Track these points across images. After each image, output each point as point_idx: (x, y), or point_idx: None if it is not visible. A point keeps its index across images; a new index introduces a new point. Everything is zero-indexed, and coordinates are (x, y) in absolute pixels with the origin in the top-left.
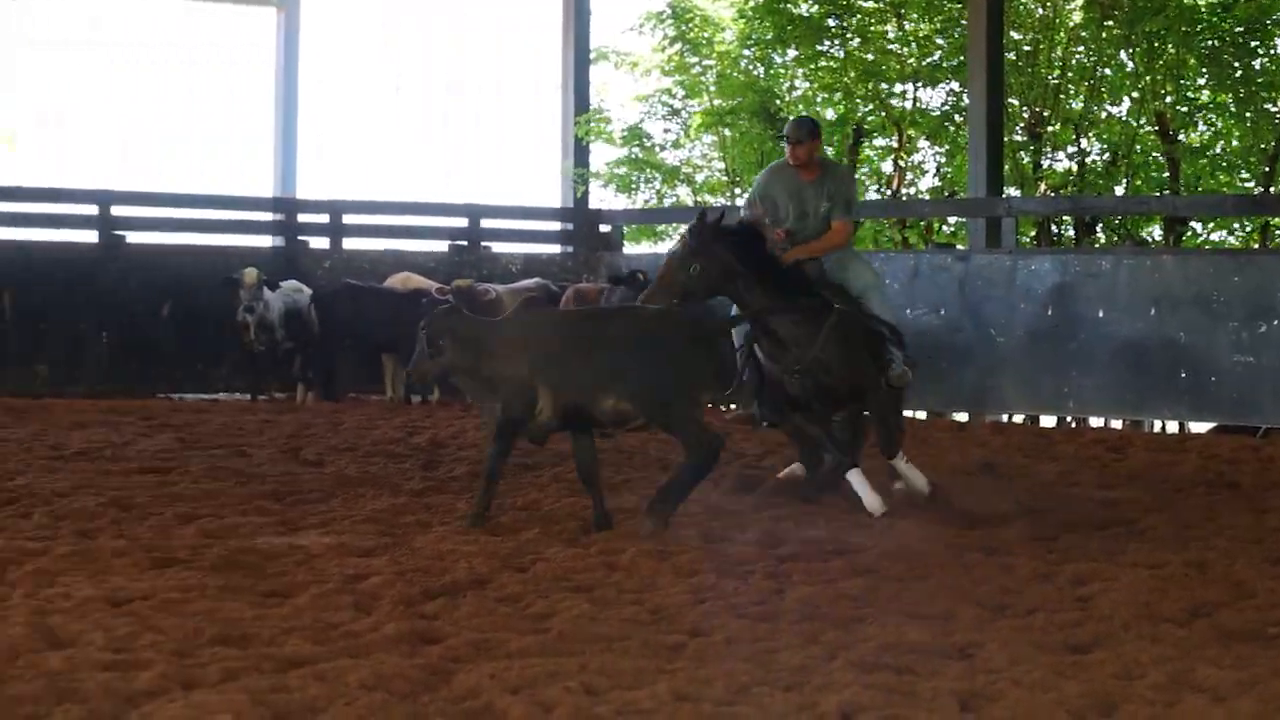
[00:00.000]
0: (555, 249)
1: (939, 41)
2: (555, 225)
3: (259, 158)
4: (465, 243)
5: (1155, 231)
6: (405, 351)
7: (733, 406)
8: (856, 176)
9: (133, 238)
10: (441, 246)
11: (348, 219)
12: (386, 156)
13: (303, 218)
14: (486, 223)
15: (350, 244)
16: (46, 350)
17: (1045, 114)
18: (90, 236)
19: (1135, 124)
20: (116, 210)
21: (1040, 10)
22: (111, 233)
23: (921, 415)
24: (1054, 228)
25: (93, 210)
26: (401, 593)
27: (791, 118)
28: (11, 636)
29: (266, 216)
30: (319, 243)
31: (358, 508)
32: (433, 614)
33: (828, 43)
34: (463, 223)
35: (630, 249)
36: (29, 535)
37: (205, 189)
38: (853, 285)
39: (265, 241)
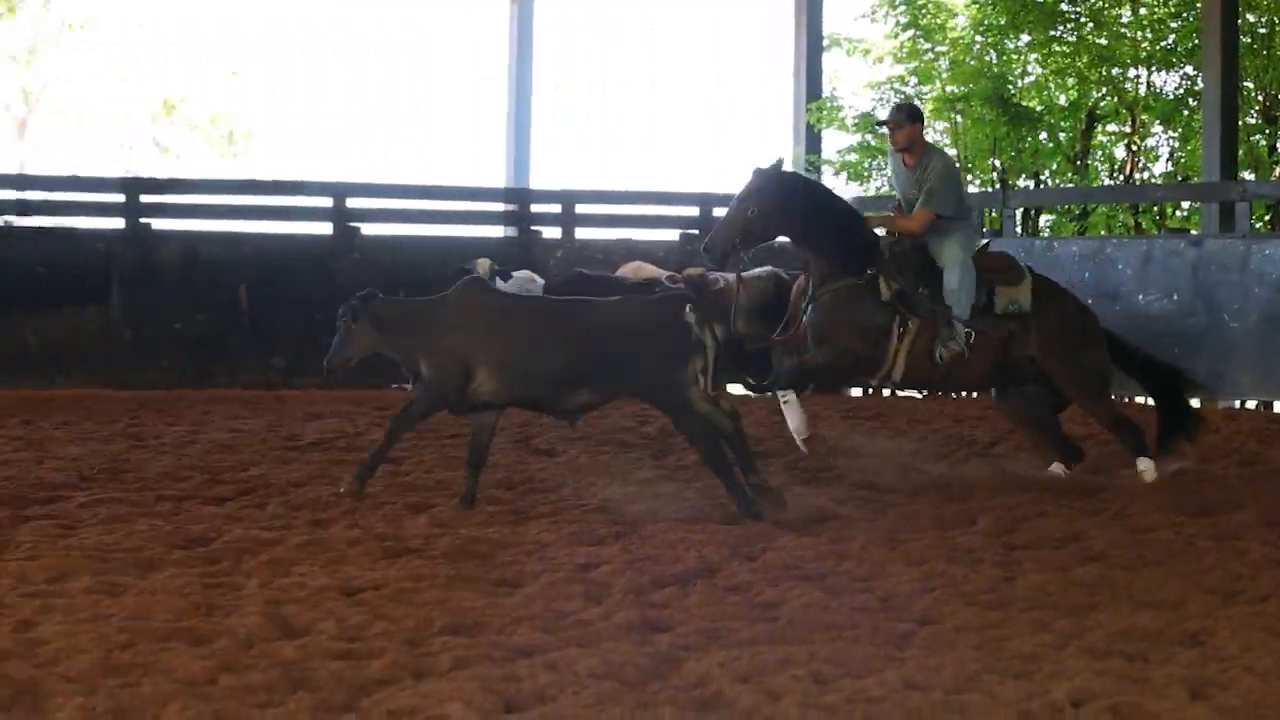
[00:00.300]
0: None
1: (1173, 25)
2: None
3: (491, 148)
4: (696, 231)
5: None
6: None
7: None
8: (957, 167)
9: (367, 229)
10: (673, 235)
11: (580, 209)
12: (618, 146)
13: (535, 208)
14: (718, 211)
15: (582, 234)
16: (281, 342)
17: None
18: (325, 229)
19: None
20: (351, 202)
21: None
22: (346, 225)
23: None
24: None
25: (327, 203)
26: (631, 581)
27: (894, 103)
28: (247, 625)
29: (499, 207)
30: (551, 233)
31: (589, 496)
32: (662, 602)
33: (1061, 27)
34: (694, 211)
35: None
36: (264, 525)
37: (438, 180)
38: (940, 260)
39: (498, 232)
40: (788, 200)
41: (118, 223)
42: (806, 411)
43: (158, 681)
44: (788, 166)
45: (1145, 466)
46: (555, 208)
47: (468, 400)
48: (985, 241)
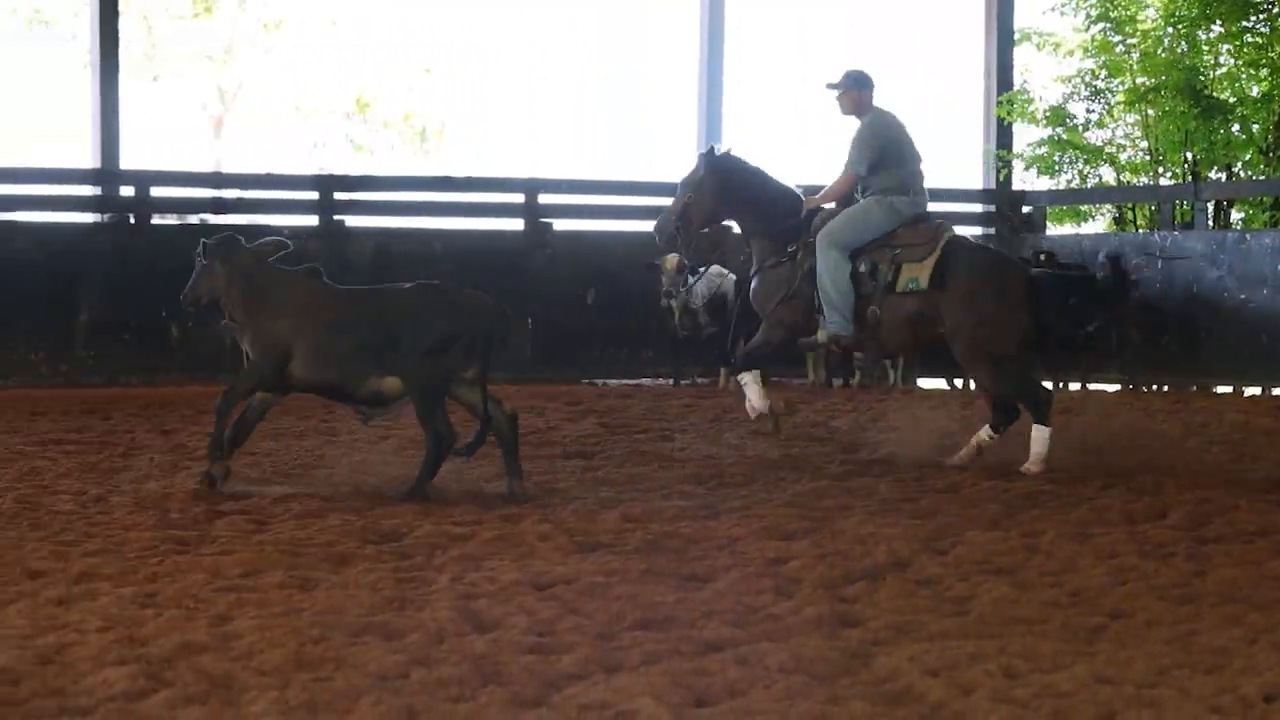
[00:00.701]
0: (977, 230)
1: None
2: (977, 207)
3: (682, 142)
4: None
5: None
6: None
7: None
8: (884, 126)
9: (558, 225)
10: None
11: None
12: (804, 140)
13: None
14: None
15: None
16: None
17: None
18: (517, 225)
19: None
20: (543, 198)
21: None
22: (538, 221)
23: None
24: None
25: (519, 199)
26: (822, 576)
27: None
28: (438, 619)
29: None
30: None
31: (779, 491)
32: (853, 597)
33: (1253, 18)
34: None
35: (1053, 230)
36: (455, 520)
37: (630, 175)
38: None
39: None
40: (723, 185)
41: (311, 220)
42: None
43: (350, 675)
44: (979, 162)
45: (1038, 434)
46: None
47: (285, 383)
48: (919, 214)
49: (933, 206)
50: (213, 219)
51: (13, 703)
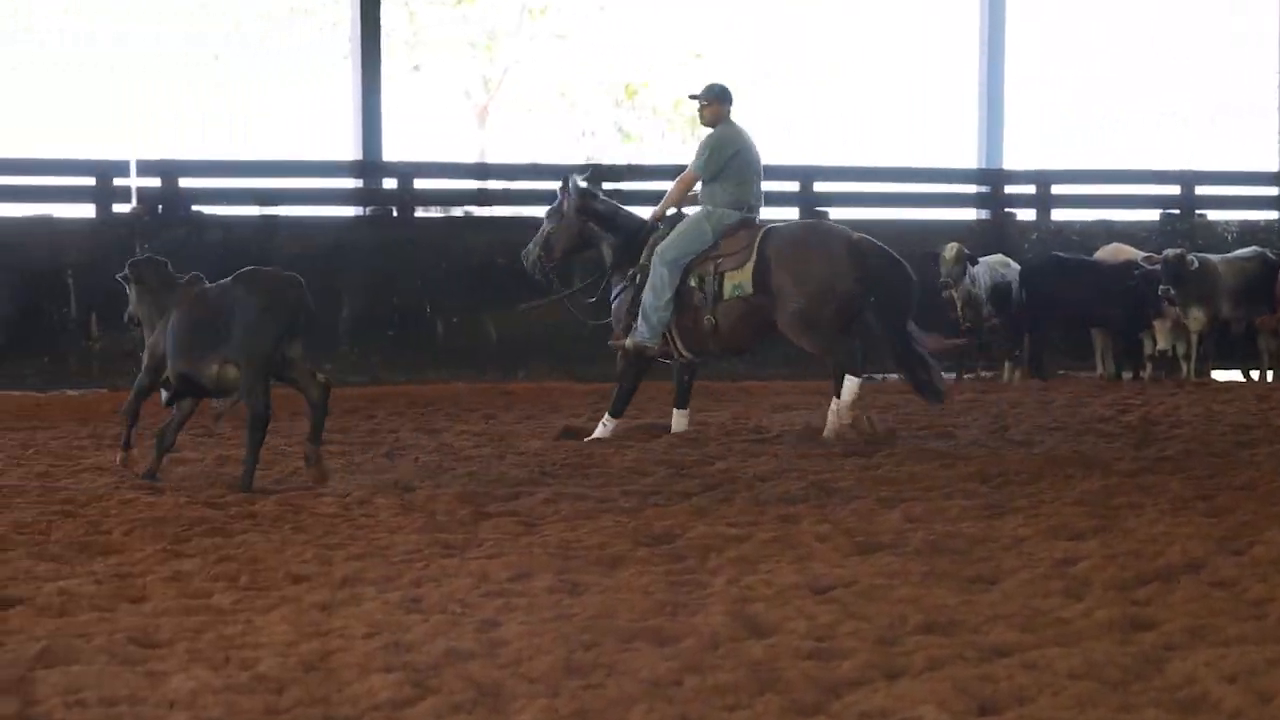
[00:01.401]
0: (1273, 215)
1: None
2: (1273, 191)
3: (962, 127)
4: (1178, 211)
5: None
6: (1116, 326)
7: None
8: (731, 138)
9: (835, 214)
10: (1153, 215)
11: (1056, 189)
12: (1095, 122)
13: (1009, 189)
14: (1201, 189)
15: (1059, 215)
16: None
17: None
18: (792, 214)
19: None
20: (818, 186)
21: None
22: (812, 209)
23: None
24: None
25: (794, 187)
26: (1113, 577)
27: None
28: (713, 624)
29: (971, 189)
30: (1025, 215)
31: (1067, 489)
32: (1145, 599)
33: None
34: (1175, 190)
35: None
36: (730, 521)
37: (907, 161)
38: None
39: (969, 214)
40: (576, 214)
41: None
42: None
43: (622, 682)
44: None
45: (849, 384)
46: (1030, 188)
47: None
48: (745, 218)
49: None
50: (477, 211)
51: (276, 711)
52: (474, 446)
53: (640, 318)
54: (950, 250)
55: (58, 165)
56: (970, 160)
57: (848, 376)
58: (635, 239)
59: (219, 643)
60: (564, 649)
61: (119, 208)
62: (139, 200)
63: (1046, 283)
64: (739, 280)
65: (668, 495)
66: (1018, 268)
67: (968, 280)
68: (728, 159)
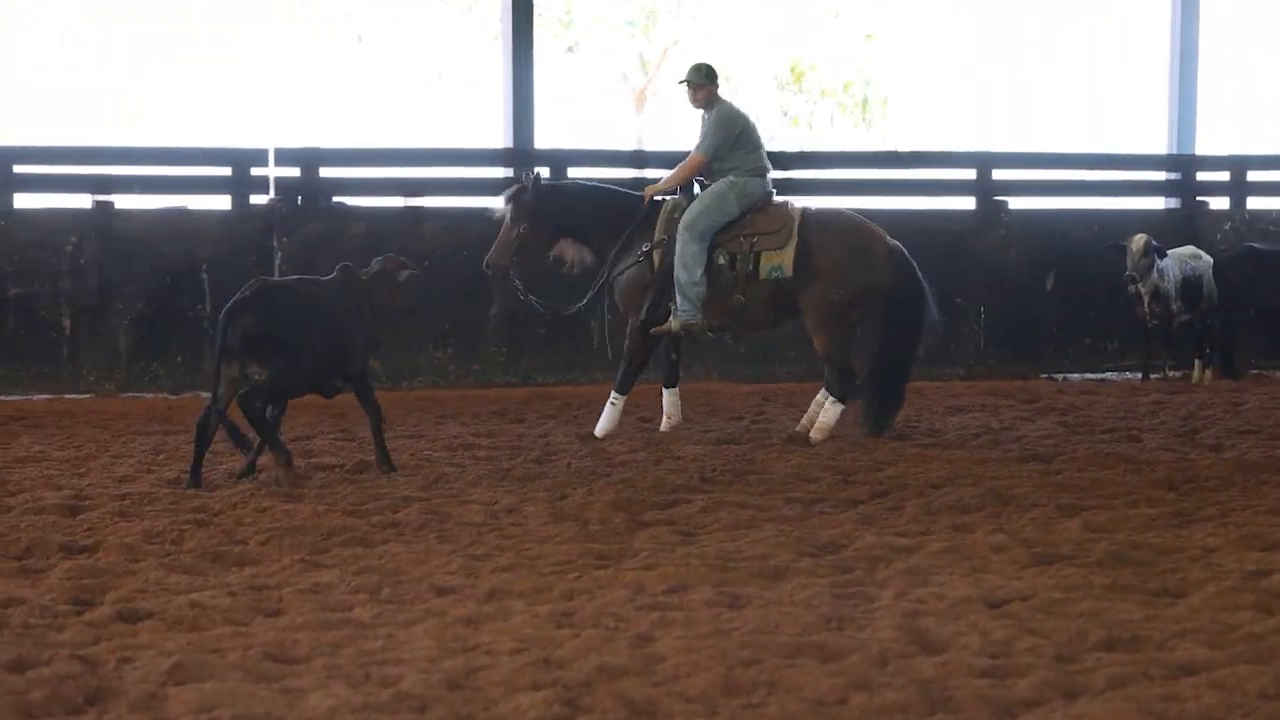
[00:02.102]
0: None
1: None
2: None
3: (1152, 111)
4: None
5: None
6: None
7: None
8: (738, 115)
9: (1014, 203)
10: None
11: (1252, 176)
12: None
13: (1201, 176)
14: None
15: (1254, 203)
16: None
17: None
18: (968, 203)
19: None
20: (997, 174)
21: None
22: (991, 199)
23: None
24: None
25: (971, 175)
26: None
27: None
28: (881, 640)
29: (1160, 176)
30: (1219, 203)
31: (1260, 496)
32: None
33: None
34: None
35: None
36: (900, 530)
37: (1091, 148)
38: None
39: (1159, 203)
40: (551, 209)
41: None
42: None
43: (784, 701)
44: None
45: (830, 410)
46: (1224, 175)
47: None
48: (768, 195)
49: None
50: None
51: None
52: (629, 451)
53: (679, 296)
54: (1137, 242)
55: (192, 154)
56: (1160, 146)
57: (834, 401)
58: (632, 217)
59: (359, 658)
60: (723, 665)
61: (256, 199)
62: (277, 191)
63: (1241, 276)
64: (778, 261)
65: (833, 503)
66: (1210, 260)
67: (1155, 274)
68: (737, 135)
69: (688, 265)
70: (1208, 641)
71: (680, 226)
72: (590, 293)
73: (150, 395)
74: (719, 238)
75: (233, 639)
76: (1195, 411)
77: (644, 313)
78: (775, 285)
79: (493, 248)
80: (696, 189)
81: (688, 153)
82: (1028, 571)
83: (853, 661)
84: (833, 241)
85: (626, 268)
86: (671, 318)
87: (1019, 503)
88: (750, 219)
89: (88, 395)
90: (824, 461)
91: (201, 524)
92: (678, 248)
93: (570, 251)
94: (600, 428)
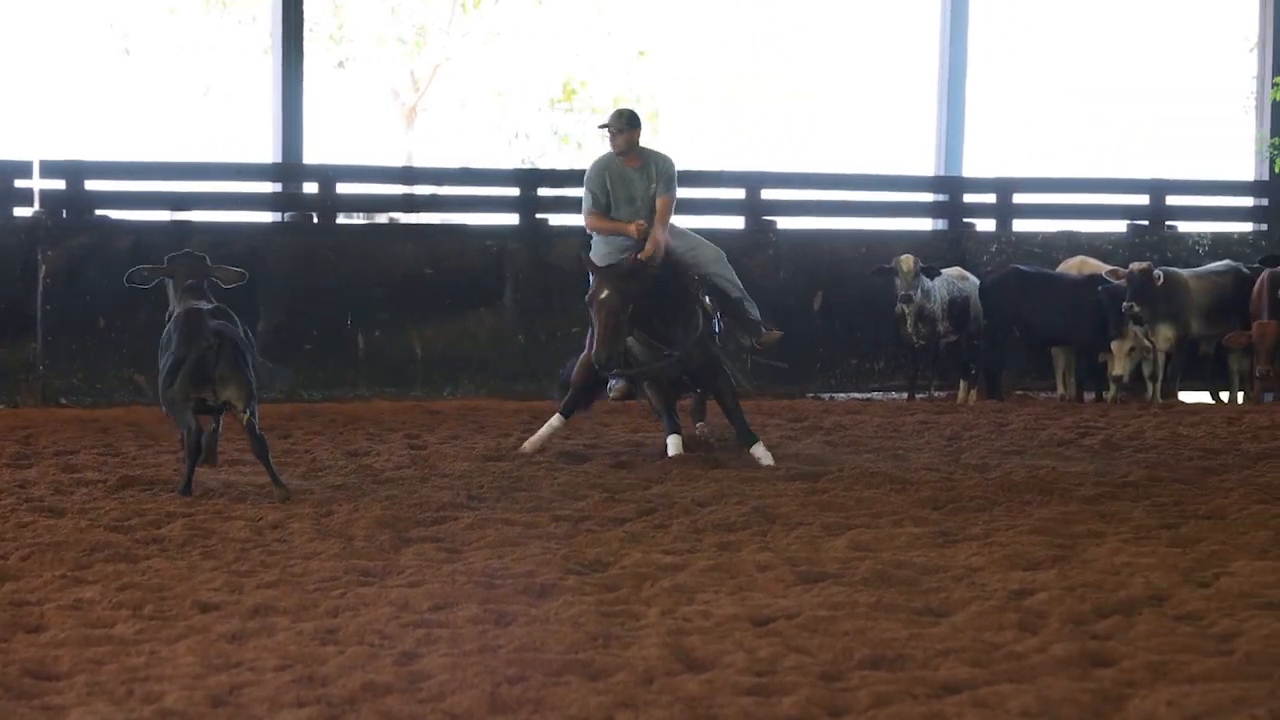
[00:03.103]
0: (1248, 227)
1: None
2: (1248, 201)
3: (918, 133)
4: (1146, 222)
5: None
6: (1079, 343)
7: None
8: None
9: (782, 223)
10: (1119, 227)
11: (1017, 198)
12: (1058, 129)
13: (968, 198)
14: (1171, 200)
15: (1020, 226)
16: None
17: None
18: (737, 223)
19: None
20: (766, 194)
21: None
22: (760, 218)
23: None
24: None
25: (740, 194)
26: (1071, 610)
27: (614, 109)
28: (647, 658)
29: (928, 197)
30: (985, 225)
31: (1024, 516)
32: (1105, 633)
33: None
34: (1144, 200)
35: None
36: (666, 548)
37: (861, 168)
38: (703, 263)
39: (926, 224)
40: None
41: (512, 219)
42: None
43: (549, 718)
44: (1250, 151)
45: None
46: (989, 197)
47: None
48: None
49: (1199, 200)
50: (404, 218)
51: None
52: (396, 469)
53: (751, 310)
54: (907, 262)
55: None
56: (928, 167)
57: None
58: (669, 291)
59: (121, 675)
60: (488, 683)
61: (20, 211)
62: (42, 204)
63: (1006, 297)
64: None
65: (600, 520)
66: (976, 281)
67: (919, 294)
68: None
69: (738, 284)
70: (971, 660)
71: (714, 263)
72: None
73: None
74: None
75: None
76: (960, 431)
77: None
78: None
79: (599, 338)
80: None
81: (461, 169)
82: (793, 590)
83: (619, 679)
84: None
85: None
86: (760, 331)
87: (785, 521)
88: None
89: None
90: (591, 479)
91: None
92: (726, 278)
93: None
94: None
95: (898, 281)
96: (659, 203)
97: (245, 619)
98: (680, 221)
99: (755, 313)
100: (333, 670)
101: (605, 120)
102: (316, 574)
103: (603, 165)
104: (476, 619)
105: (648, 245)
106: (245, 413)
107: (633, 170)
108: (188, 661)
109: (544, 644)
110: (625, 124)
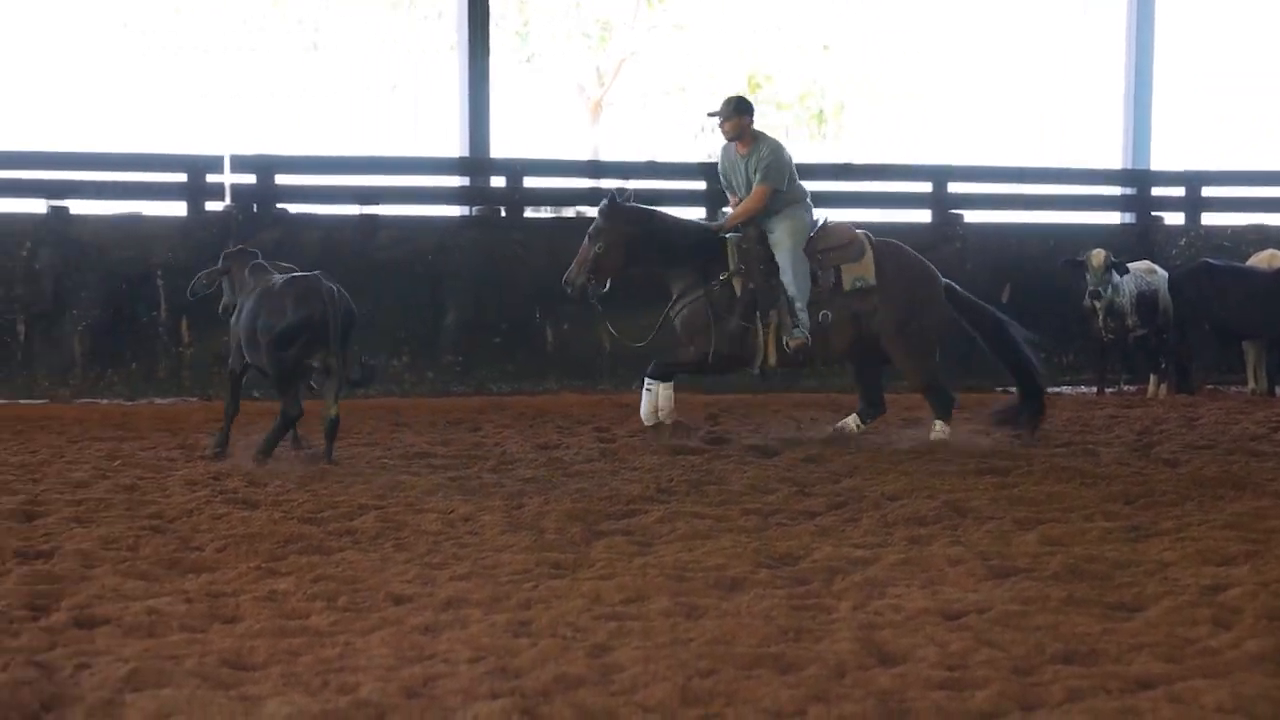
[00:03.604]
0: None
1: None
2: None
3: (1108, 125)
4: None
5: None
6: (1270, 335)
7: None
8: (785, 148)
9: (970, 216)
10: None
11: (1207, 191)
12: (1248, 121)
13: (1156, 191)
14: None
15: (1209, 219)
16: None
17: None
18: (923, 216)
19: None
20: (953, 187)
21: None
22: (947, 212)
23: None
24: None
25: (926, 188)
26: (1265, 605)
27: (725, 96)
28: (838, 652)
29: (1115, 191)
30: (1174, 218)
31: (1216, 511)
32: None
33: None
34: None
35: None
36: (857, 542)
37: (1047, 161)
38: (774, 249)
39: (1114, 218)
40: (631, 232)
41: (699, 212)
42: None
43: (741, 712)
44: None
45: (939, 429)
46: (1179, 190)
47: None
48: (820, 220)
49: None
50: (590, 211)
51: None
52: (586, 461)
53: (797, 314)
54: (1097, 257)
55: (147, 160)
56: (1115, 160)
57: (939, 423)
58: (702, 248)
59: (316, 666)
60: (680, 676)
61: (212, 205)
62: (232, 198)
63: (1196, 291)
64: (860, 273)
65: (790, 514)
66: (1165, 275)
67: (1110, 289)
68: (792, 164)
69: (801, 284)
70: (1165, 656)
71: (789, 245)
72: (659, 324)
73: (105, 401)
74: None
75: (189, 646)
76: (1151, 426)
77: (714, 342)
78: (858, 299)
79: (573, 264)
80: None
81: (647, 162)
82: (984, 584)
83: (810, 673)
84: (902, 258)
85: (696, 298)
86: (798, 332)
87: (976, 515)
88: (815, 238)
89: (42, 401)
90: (781, 473)
91: (157, 530)
92: (792, 267)
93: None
94: (643, 411)
95: (1088, 276)
96: (754, 190)
97: (438, 611)
98: (867, 215)
99: (803, 317)
100: (526, 662)
101: (715, 109)
102: (508, 566)
103: (721, 153)
104: (668, 612)
105: (716, 224)
106: (339, 387)
107: (741, 157)
108: (382, 653)
109: (735, 637)
110: (732, 111)
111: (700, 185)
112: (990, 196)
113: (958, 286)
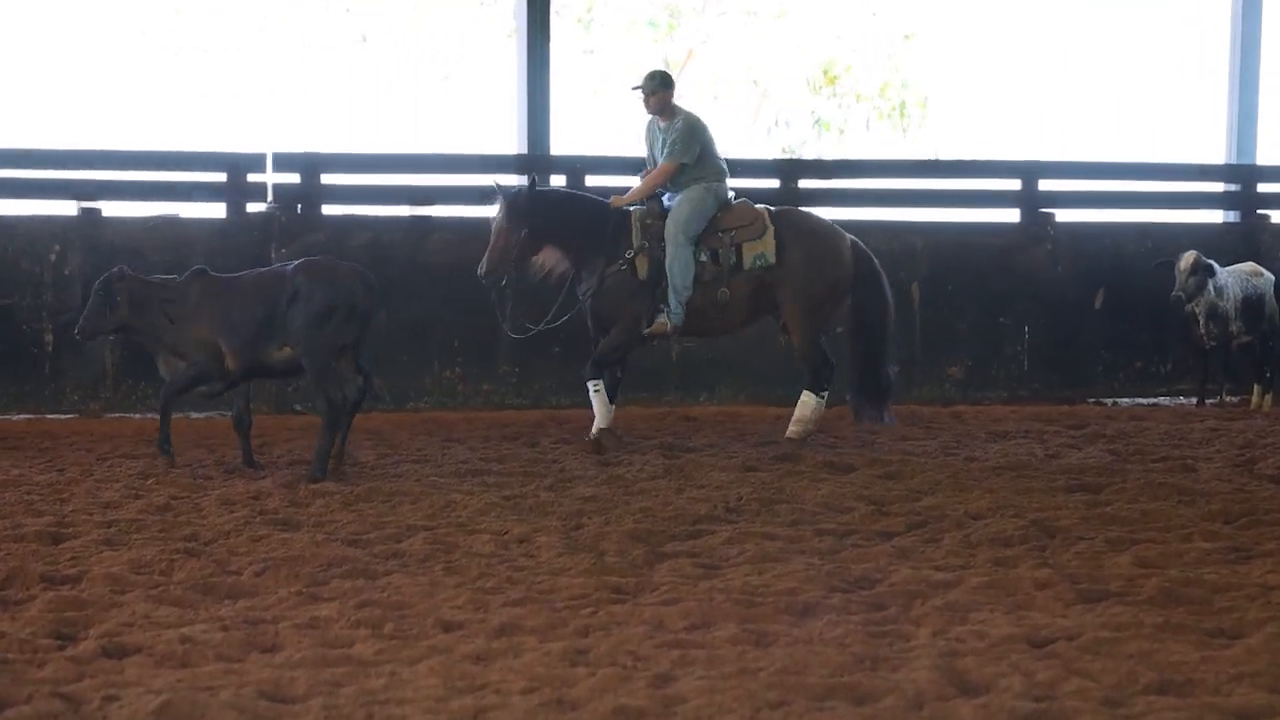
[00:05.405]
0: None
1: None
2: None
3: (1210, 118)
4: None
5: None
6: None
7: None
8: (703, 123)
9: (1061, 215)
10: None
11: None
12: None
13: (1262, 188)
14: None
15: None
16: (960, 348)
17: None
18: (1011, 215)
19: None
20: (1044, 184)
21: None
22: (1037, 210)
23: None
24: None
25: (1015, 185)
26: None
27: (649, 71)
28: (917, 681)
29: (1218, 187)
30: None
31: None
32: None
33: None
34: None
35: None
36: (938, 564)
37: (1144, 156)
38: (666, 229)
39: (1216, 217)
40: (546, 214)
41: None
42: None
43: None
44: None
45: (807, 400)
46: None
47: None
48: (733, 196)
49: None
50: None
51: None
52: (649, 479)
53: (672, 299)
54: (1186, 259)
55: (184, 159)
56: (1218, 155)
57: (808, 394)
58: (605, 228)
59: (360, 698)
60: (748, 708)
61: (253, 206)
62: (275, 199)
63: None
64: (761, 250)
65: (867, 535)
66: (1271, 277)
67: (1212, 292)
68: (705, 139)
69: (684, 268)
70: (1268, 685)
71: (673, 231)
72: (555, 308)
73: (137, 416)
74: (701, 237)
75: (225, 676)
76: (1254, 440)
77: (632, 320)
78: (759, 276)
79: (487, 254)
80: (666, 198)
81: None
82: (1074, 609)
83: (887, 704)
84: (804, 232)
85: (608, 276)
86: (664, 318)
87: (1065, 535)
88: (720, 217)
89: (71, 416)
90: (857, 491)
91: (192, 553)
92: (671, 251)
93: (550, 259)
94: (598, 422)
95: (1176, 280)
96: (661, 164)
97: (490, 639)
98: (953, 215)
99: (673, 301)
100: (583, 693)
101: (638, 83)
102: (565, 591)
103: (646, 128)
104: (735, 639)
105: (614, 198)
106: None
107: (661, 131)
108: (430, 684)
109: (807, 666)
110: (657, 85)
111: (774, 183)
112: (1083, 194)
113: (875, 260)
